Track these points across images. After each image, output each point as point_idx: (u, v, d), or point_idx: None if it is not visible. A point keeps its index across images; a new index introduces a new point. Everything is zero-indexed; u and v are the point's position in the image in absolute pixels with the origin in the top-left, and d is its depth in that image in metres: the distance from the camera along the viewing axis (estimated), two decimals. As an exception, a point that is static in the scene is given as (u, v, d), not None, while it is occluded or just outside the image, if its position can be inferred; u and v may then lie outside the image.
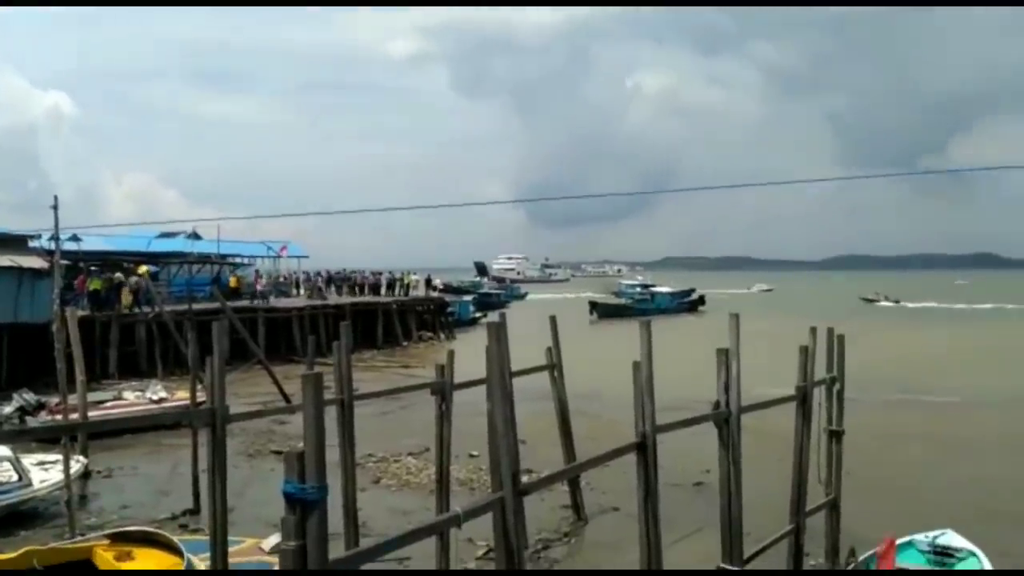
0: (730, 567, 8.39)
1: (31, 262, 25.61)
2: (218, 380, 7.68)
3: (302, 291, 47.33)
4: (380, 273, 52.33)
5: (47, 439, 14.95)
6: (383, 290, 48.53)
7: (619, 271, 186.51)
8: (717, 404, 8.24)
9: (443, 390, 10.43)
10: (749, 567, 8.69)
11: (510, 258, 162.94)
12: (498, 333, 5.39)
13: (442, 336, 45.49)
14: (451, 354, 10.74)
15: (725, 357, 8.09)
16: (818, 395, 10.05)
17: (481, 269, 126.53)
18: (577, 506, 13.05)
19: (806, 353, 9.50)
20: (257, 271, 43.97)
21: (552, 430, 13.96)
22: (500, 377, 5.33)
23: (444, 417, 10.48)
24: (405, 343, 41.61)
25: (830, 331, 10.32)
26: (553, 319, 13.04)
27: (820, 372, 10.11)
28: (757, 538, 9.21)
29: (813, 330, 9.73)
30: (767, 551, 9.14)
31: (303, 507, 4.06)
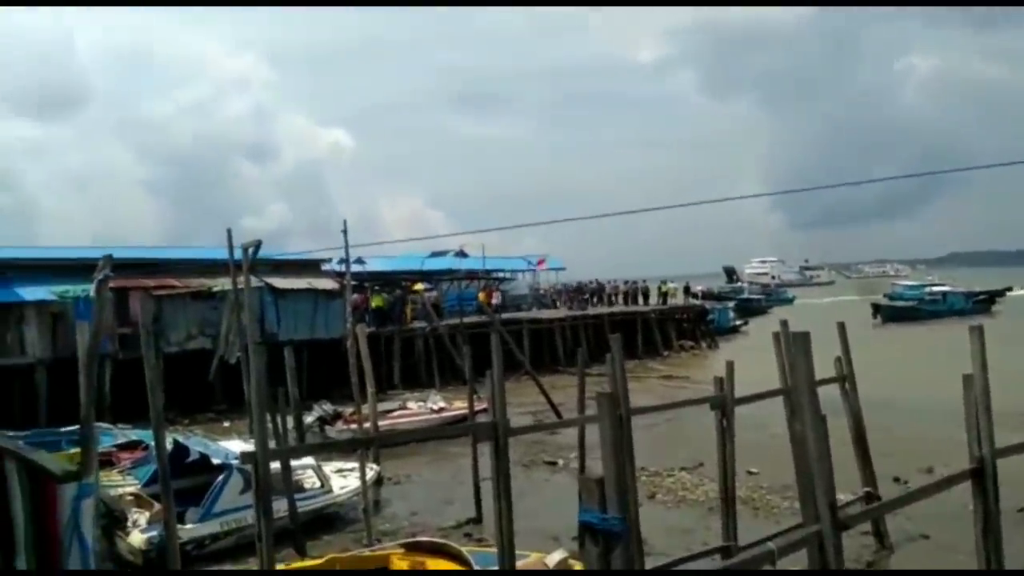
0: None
1: (324, 284, 28.31)
2: (498, 394, 7.67)
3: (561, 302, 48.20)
4: (635, 282, 51.92)
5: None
6: (640, 299, 48.12)
7: (897, 271, 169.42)
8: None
9: (724, 404, 9.80)
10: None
11: (763, 261, 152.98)
12: (804, 344, 4.73)
13: (703, 345, 44.15)
14: (730, 365, 10.04)
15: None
16: None
17: (730, 274, 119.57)
18: (880, 533, 11.70)
19: None
20: (493, 286, 44.65)
21: (841, 448, 12.69)
22: (809, 393, 4.67)
23: (726, 433, 9.84)
24: (665, 352, 40.84)
25: None
26: (842, 325, 11.84)
27: None
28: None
29: None
30: None
31: (606, 539, 3.75)
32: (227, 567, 11.83)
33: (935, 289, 68.44)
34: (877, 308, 61.94)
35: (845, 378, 11.79)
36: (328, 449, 13.74)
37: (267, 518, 6.20)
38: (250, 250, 10.93)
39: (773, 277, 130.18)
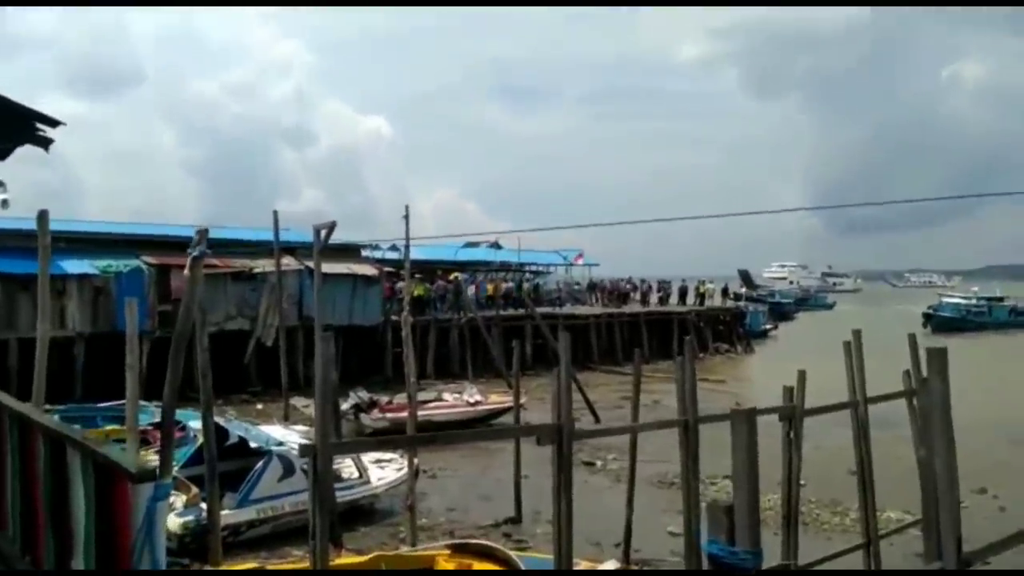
0: None
1: (363, 269, 28.04)
2: (564, 396, 7.19)
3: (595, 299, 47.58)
4: (668, 282, 51.14)
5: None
6: (675, 298, 47.41)
7: (944, 282, 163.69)
8: None
9: (792, 415, 9.28)
10: None
11: (783, 266, 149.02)
12: (940, 361, 4.26)
13: (738, 349, 43.35)
14: (802, 375, 9.51)
15: None
16: None
17: (746, 278, 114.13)
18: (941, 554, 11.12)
19: None
20: (499, 278, 42.39)
21: (895, 462, 12.17)
22: (942, 418, 4.20)
23: (793, 445, 9.32)
24: (701, 355, 40.03)
25: None
26: (912, 337, 11.25)
27: None
28: None
29: None
30: None
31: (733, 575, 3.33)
32: (262, 555, 11.57)
33: (980, 299, 67.95)
34: (928, 317, 61.27)
35: (914, 392, 11.18)
36: (388, 446, 13.44)
37: (324, 514, 5.83)
38: (323, 232, 10.53)
39: (791, 283, 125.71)
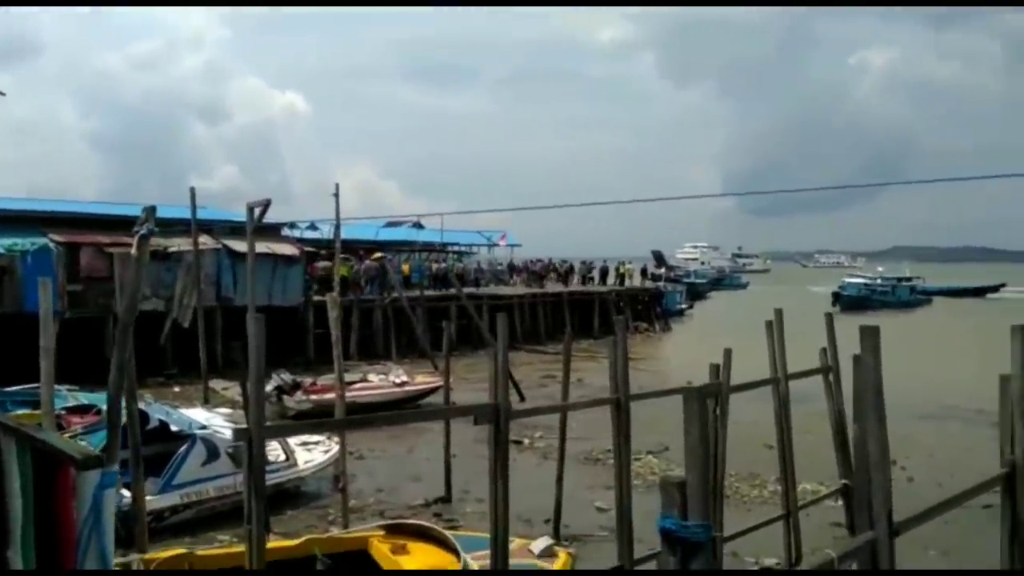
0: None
1: (284, 249, 27.38)
2: (501, 376, 7.25)
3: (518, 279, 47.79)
4: (590, 262, 51.78)
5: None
6: (597, 278, 48.03)
7: (852, 263, 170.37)
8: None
9: (718, 393, 9.55)
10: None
11: (695, 247, 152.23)
12: (873, 342, 4.44)
13: (656, 328, 44.32)
14: (728, 353, 9.79)
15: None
16: None
17: (659, 258, 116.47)
18: (852, 525, 11.67)
19: None
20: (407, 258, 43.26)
21: (806, 436, 12.73)
22: (875, 396, 4.39)
23: (719, 423, 9.60)
24: (622, 334, 40.74)
25: None
26: (829, 316, 11.72)
27: None
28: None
29: None
30: None
31: (684, 549, 3.41)
32: (187, 541, 11.30)
33: (886, 279, 71.91)
34: (837, 296, 64.09)
35: (829, 369, 11.66)
36: (321, 428, 13.21)
37: (259, 498, 5.74)
38: (256, 211, 10.20)
39: (702, 263, 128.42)
